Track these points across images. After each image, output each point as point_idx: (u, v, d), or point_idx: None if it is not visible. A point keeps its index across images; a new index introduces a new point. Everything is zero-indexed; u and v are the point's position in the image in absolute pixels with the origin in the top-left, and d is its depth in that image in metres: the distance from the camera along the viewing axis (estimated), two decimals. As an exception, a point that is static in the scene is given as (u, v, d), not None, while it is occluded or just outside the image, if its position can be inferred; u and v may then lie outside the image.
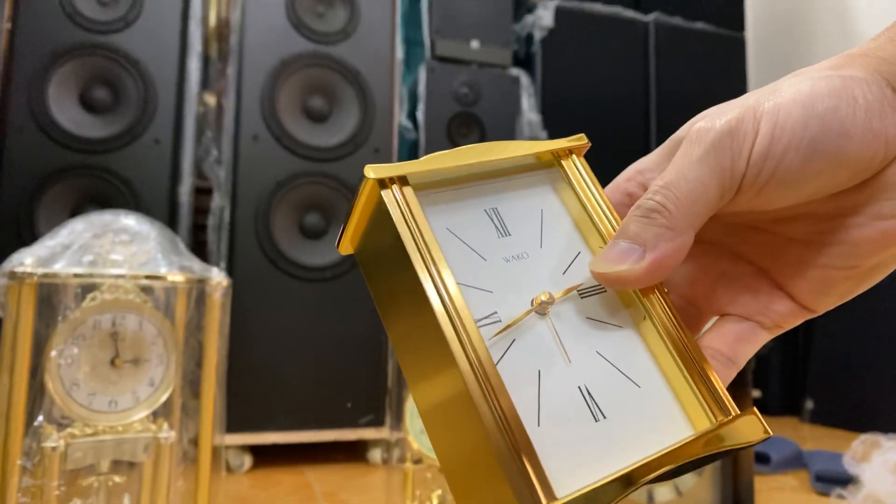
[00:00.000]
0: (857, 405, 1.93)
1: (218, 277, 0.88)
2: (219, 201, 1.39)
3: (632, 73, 1.97)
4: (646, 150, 1.75)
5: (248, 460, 1.37)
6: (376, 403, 1.43)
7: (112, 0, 1.37)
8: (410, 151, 1.75)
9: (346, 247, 0.27)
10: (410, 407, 0.81)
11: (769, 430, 0.24)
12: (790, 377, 2.24)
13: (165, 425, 0.82)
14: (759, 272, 0.27)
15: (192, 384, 0.85)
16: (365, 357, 1.42)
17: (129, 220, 0.89)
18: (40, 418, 0.76)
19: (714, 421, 0.24)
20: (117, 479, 0.80)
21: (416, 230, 0.24)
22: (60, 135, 1.31)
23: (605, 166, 0.40)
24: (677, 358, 0.25)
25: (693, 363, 0.24)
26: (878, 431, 1.19)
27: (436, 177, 0.26)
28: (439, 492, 0.84)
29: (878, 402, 1.89)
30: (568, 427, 0.22)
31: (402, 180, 0.25)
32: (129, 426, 0.80)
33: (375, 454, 1.45)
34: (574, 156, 0.29)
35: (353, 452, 1.49)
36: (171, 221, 1.35)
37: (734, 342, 0.27)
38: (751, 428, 0.24)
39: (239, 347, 1.30)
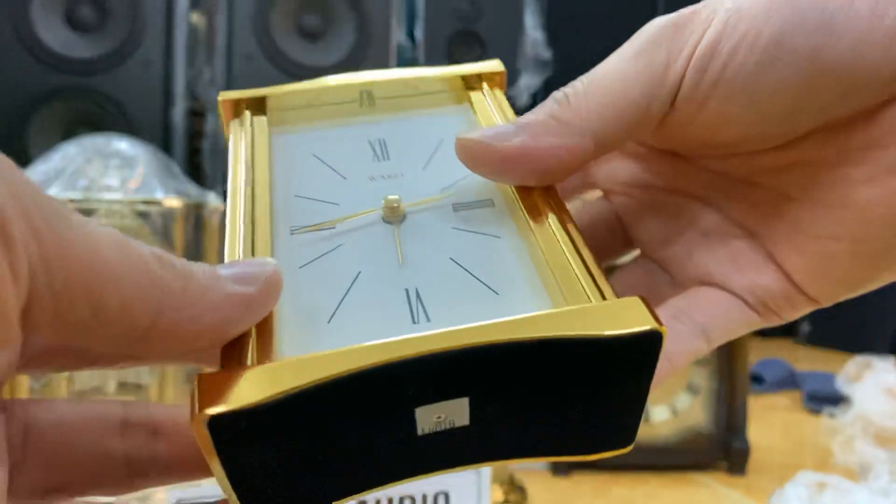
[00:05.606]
0: (853, 328, 1.95)
1: (215, 202, 0.87)
2: (213, 124, 1.36)
3: (639, -11, 1.89)
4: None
5: (252, 381, 1.40)
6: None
7: None
8: (409, 72, 1.70)
9: None
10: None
11: (659, 320, 0.16)
12: (788, 300, 2.25)
13: (168, 348, 0.83)
14: (748, 236, 0.21)
15: (192, 308, 0.86)
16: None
17: (122, 144, 0.87)
18: (43, 342, 0.77)
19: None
20: (124, 399, 0.82)
21: (249, 148, 0.22)
22: (47, 55, 1.27)
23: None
24: (557, 270, 0.18)
25: (575, 267, 0.18)
26: (871, 353, 1.21)
27: (322, 100, 0.24)
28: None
29: (873, 326, 1.92)
30: (366, 324, 0.18)
31: (258, 106, 0.23)
32: (133, 349, 0.81)
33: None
34: (487, 85, 0.24)
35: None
36: (165, 145, 1.33)
37: (710, 312, 0.21)
38: (629, 314, 0.15)
39: (239, 272, 1.31)
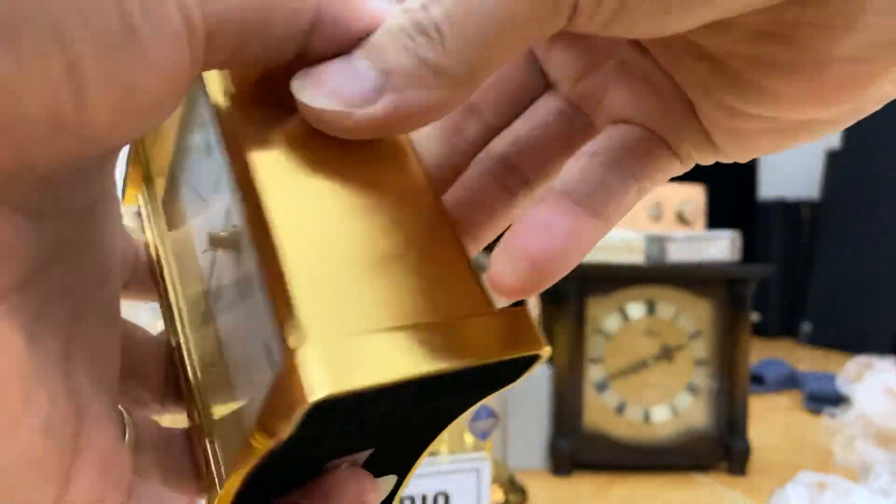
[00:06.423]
0: (853, 328, 1.95)
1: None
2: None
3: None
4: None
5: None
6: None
7: None
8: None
9: None
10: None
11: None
12: (789, 301, 2.25)
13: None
14: (666, 75, 0.18)
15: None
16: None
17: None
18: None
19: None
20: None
21: (155, 250, 0.21)
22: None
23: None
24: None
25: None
26: (872, 353, 1.21)
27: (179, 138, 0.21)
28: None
29: (874, 326, 1.92)
30: (255, 383, 0.16)
31: (146, 178, 0.21)
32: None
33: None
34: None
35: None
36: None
37: (634, 154, 0.18)
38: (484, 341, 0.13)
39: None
